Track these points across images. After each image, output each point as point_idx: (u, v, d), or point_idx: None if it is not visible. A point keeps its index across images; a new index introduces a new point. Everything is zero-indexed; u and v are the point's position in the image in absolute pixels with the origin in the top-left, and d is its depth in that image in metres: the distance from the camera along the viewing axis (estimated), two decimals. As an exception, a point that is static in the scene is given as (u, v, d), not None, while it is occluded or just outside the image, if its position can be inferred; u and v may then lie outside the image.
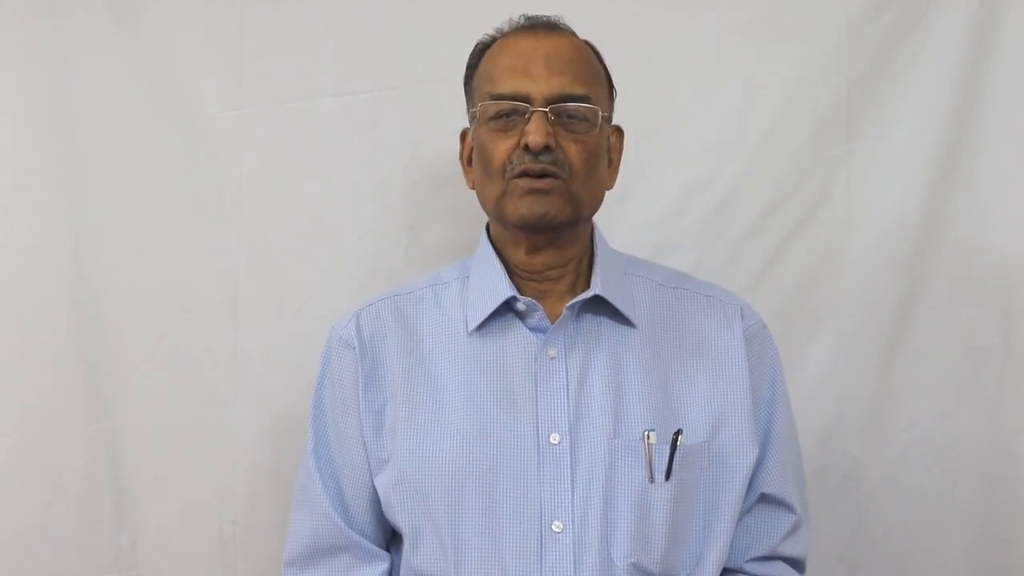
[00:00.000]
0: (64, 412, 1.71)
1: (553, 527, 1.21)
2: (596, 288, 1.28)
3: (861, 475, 1.65)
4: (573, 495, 1.22)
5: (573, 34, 1.32)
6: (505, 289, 1.28)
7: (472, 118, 1.33)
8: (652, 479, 1.23)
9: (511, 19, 1.34)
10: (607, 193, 1.34)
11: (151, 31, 1.71)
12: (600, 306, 1.30)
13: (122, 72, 1.71)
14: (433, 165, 1.69)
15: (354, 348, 1.32)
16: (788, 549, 1.33)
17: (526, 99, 1.24)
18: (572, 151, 1.24)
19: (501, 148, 1.25)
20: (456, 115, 1.67)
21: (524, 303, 1.28)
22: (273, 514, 1.71)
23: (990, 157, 1.61)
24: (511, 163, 1.25)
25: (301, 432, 1.69)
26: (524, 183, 1.24)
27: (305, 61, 1.71)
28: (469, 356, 1.29)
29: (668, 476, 1.23)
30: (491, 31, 1.35)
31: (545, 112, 1.23)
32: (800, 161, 1.65)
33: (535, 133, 1.22)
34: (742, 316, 1.34)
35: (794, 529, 1.33)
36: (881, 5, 1.62)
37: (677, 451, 1.24)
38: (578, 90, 1.25)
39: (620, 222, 1.66)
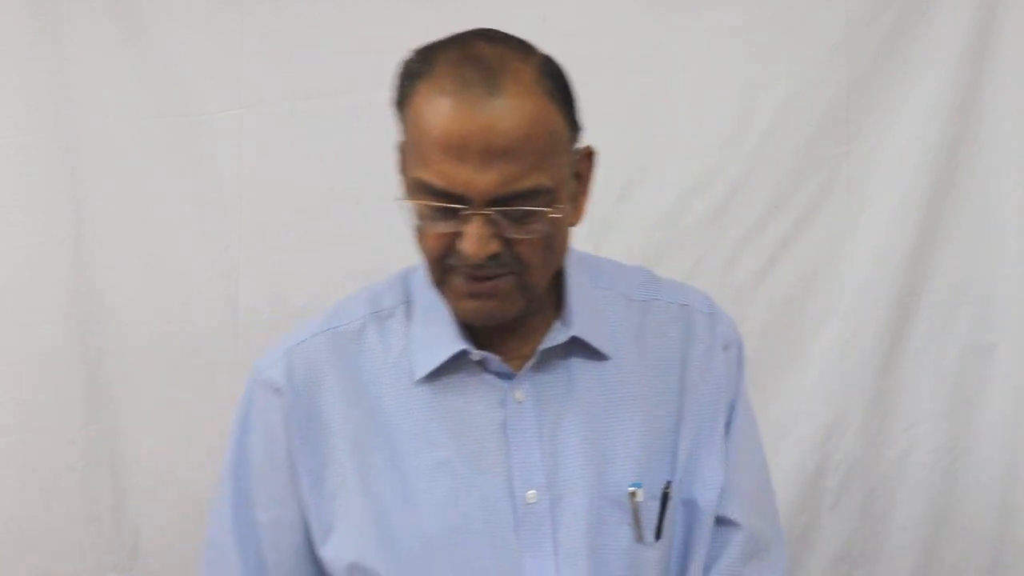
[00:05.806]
0: (64, 412, 1.71)
1: None
2: (572, 329, 1.07)
3: (861, 475, 1.65)
4: (556, 563, 1.04)
5: (517, 79, 0.96)
6: (455, 342, 1.06)
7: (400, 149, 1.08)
8: (641, 539, 1.06)
9: (439, 42, 1.06)
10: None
11: (151, 31, 1.71)
12: (572, 342, 1.08)
13: (122, 72, 1.71)
14: (433, 165, 1.69)
15: (283, 394, 1.08)
16: (753, 573, 1.12)
17: (462, 199, 0.95)
18: (524, 247, 0.99)
19: (432, 236, 0.99)
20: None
21: (478, 356, 1.06)
22: (273, 514, 1.71)
23: (990, 157, 1.61)
24: (447, 256, 1.00)
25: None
26: (463, 285, 1.00)
27: (305, 61, 1.71)
28: (425, 404, 1.07)
29: (659, 535, 1.06)
30: (415, 46, 1.07)
31: (486, 215, 0.96)
32: (800, 161, 1.65)
33: (473, 244, 0.96)
34: (715, 324, 1.14)
35: (745, 542, 1.12)
36: (881, 5, 1.62)
37: (668, 505, 1.06)
38: (527, 183, 0.95)
39: (620, 222, 1.66)
